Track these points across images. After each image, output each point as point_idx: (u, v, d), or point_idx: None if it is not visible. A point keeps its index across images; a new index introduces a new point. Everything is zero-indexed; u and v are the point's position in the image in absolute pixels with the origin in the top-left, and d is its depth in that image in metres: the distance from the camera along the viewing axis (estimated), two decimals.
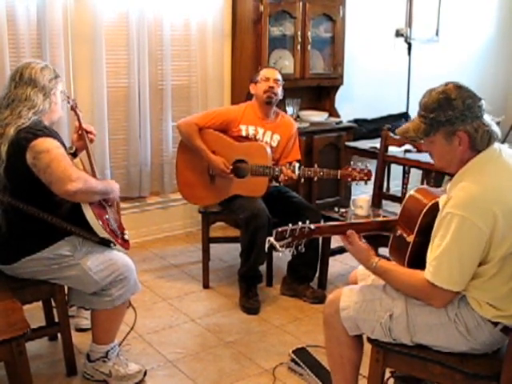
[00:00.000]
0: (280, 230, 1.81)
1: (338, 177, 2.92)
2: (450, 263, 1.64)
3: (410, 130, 1.75)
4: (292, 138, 3.24)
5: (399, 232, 1.87)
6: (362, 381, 2.07)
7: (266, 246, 1.83)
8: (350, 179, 2.89)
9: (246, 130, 3.14)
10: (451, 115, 1.66)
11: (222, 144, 3.10)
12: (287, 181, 2.98)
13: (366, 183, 2.93)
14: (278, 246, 1.80)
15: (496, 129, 1.72)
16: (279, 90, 3.17)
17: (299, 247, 1.84)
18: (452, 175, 1.78)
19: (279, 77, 3.19)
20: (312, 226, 1.84)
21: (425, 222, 1.78)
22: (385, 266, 1.80)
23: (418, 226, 1.79)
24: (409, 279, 1.73)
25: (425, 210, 1.80)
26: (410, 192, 1.94)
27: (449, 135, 1.68)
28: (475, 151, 1.69)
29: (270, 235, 3.01)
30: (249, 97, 3.29)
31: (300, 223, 1.85)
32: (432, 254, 1.68)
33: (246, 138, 3.13)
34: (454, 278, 1.65)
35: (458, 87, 1.70)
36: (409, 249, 1.81)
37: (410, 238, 1.81)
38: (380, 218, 1.98)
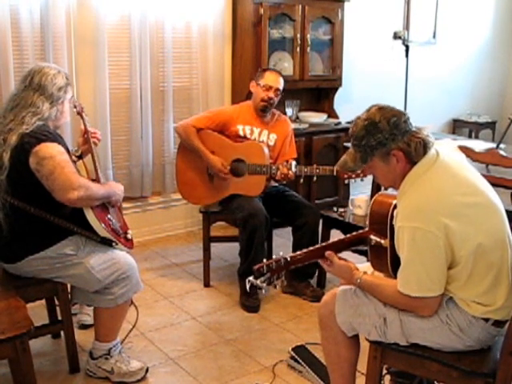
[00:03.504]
0: (256, 267, 1.81)
1: (334, 173, 2.95)
2: (416, 272, 1.66)
3: (348, 161, 1.78)
4: (288, 136, 3.27)
5: (374, 240, 1.86)
6: (361, 378, 2.09)
7: (247, 286, 1.80)
8: (346, 176, 2.92)
9: (242, 129, 3.18)
10: (380, 137, 1.69)
11: (220, 144, 3.14)
12: (284, 179, 3.01)
13: (362, 180, 2.94)
14: (258, 283, 1.78)
15: (429, 137, 1.74)
16: (277, 99, 3.18)
17: (280, 280, 1.83)
18: None
19: (281, 85, 3.17)
20: (288, 258, 1.84)
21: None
22: (369, 281, 1.82)
23: (389, 229, 1.80)
24: (392, 294, 1.75)
25: (390, 212, 1.81)
26: (374, 198, 1.93)
27: (385, 156, 1.72)
28: (414, 163, 1.72)
29: (268, 235, 3.05)
30: (249, 96, 3.31)
31: (274, 256, 1.84)
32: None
33: (244, 138, 3.17)
34: (424, 285, 1.67)
35: (380, 109, 1.73)
36: (388, 254, 1.81)
37: (386, 243, 1.81)
38: (352, 234, 1.97)
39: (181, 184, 3.27)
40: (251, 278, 1.79)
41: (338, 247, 1.93)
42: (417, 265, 1.66)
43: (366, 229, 1.91)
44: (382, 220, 1.83)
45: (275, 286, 1.85)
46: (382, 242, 1.83)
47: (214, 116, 3.21)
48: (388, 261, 1.82)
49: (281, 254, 1.85)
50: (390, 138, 1.69)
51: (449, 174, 1.72)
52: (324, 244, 1.91)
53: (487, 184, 1.79)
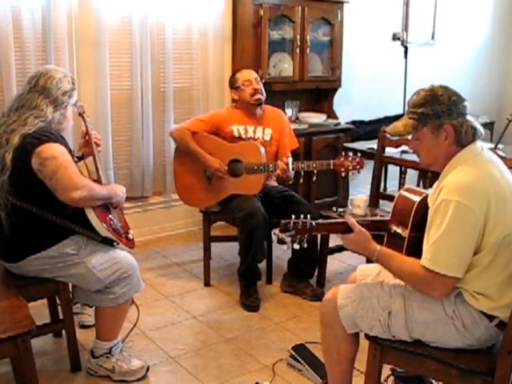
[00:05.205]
0: (284, 221, 1.84)
1: (331, 167, 2.96)
2: (447, 248, 1.68)
3: (399, 126, 1.83)
4: (286, 128, 3.29)
5: (394, 229, 1.91)
6: (360, 377, 2.11)
7: (274, 239, 1.83)
8: (342, 169, 2.93)
9: (237, 130, 3.20)
10: (438, 109, 1.75)
11: (216, 146, 3.16)
12: (282, 175, 3.03)
13: (358, 172, 2.95)
14: (284, 236, 1.81)
15: (480, 127, 1.80)
16: (262, 88, 3.22)
17: (302, 242, 1.85)
18: (438, 174, 1.84)
19: (256, 74, 3.26)
20: (313, 222, 1.87)
21: (417, 217, 1.83)
22: (389, 252, 1.83)
23: (411, 221, 1.84)
24: (410, 267, 1.75)
25: (416, 205, 1.85)
26: (399, 192, 1.99)
27: (436, 129, 1.76)
28: (460, 146, 1.77)
29: (267, 234, 3.07)
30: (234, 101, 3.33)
31: (302, 216, 1.87)
32: (428, 242, 1.72)
33: (239, 139, 3.19)
34: (450, 263, 1.68)
35: (445, 87, 1.80)
36: (405, 243, 1.85)
37: (406, 233, 1.85)
38: (374, 218, 2.02)
39: (179, 188, 3.28)
40: (277, 231, 1.82)
41: None
42: (451, 242, 1.67)
43: (389, 218, 1.97)
44: (404, 213, 1.88)
45: (299, 243, 1.86)
46: (401, 231, 1.87)
47: (207, 119, 3.23)
48: (403, 250, 1.85)
49: (308, 217, 1.88)
50: (446, 113, 1.75)
51: (493, 166, 1.77)
52: (345, 220, 1.93)
53: None
